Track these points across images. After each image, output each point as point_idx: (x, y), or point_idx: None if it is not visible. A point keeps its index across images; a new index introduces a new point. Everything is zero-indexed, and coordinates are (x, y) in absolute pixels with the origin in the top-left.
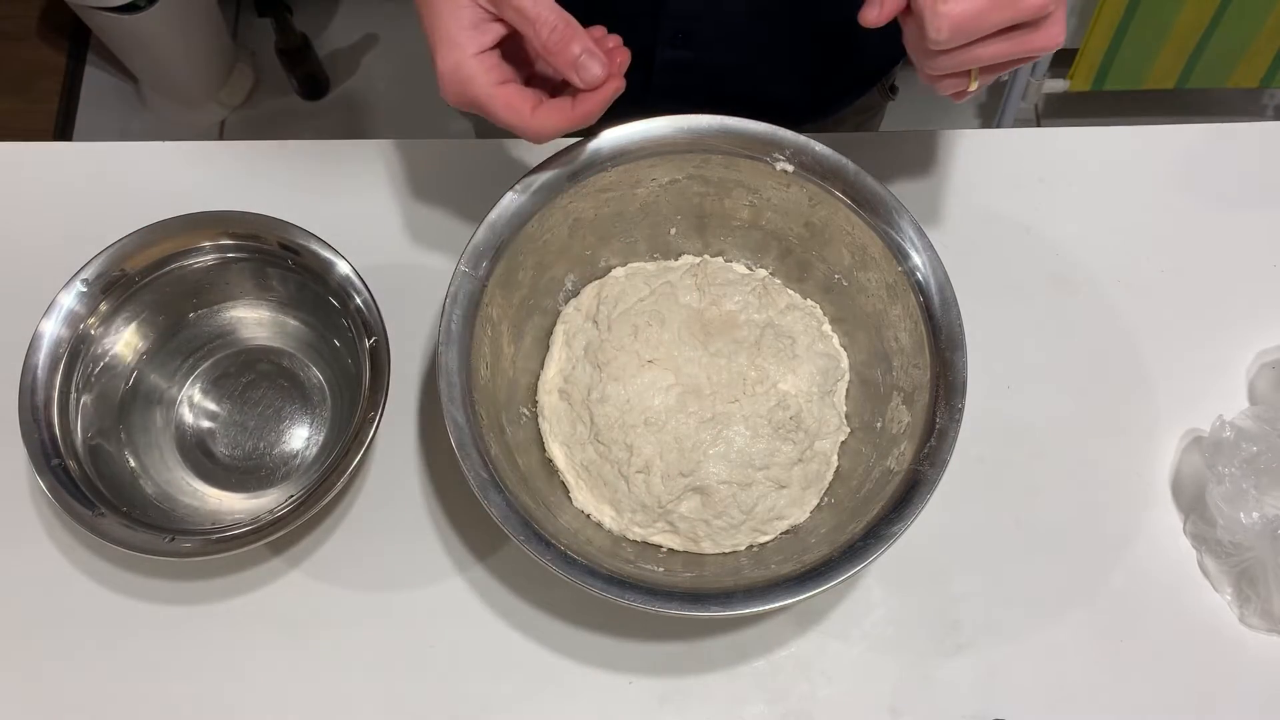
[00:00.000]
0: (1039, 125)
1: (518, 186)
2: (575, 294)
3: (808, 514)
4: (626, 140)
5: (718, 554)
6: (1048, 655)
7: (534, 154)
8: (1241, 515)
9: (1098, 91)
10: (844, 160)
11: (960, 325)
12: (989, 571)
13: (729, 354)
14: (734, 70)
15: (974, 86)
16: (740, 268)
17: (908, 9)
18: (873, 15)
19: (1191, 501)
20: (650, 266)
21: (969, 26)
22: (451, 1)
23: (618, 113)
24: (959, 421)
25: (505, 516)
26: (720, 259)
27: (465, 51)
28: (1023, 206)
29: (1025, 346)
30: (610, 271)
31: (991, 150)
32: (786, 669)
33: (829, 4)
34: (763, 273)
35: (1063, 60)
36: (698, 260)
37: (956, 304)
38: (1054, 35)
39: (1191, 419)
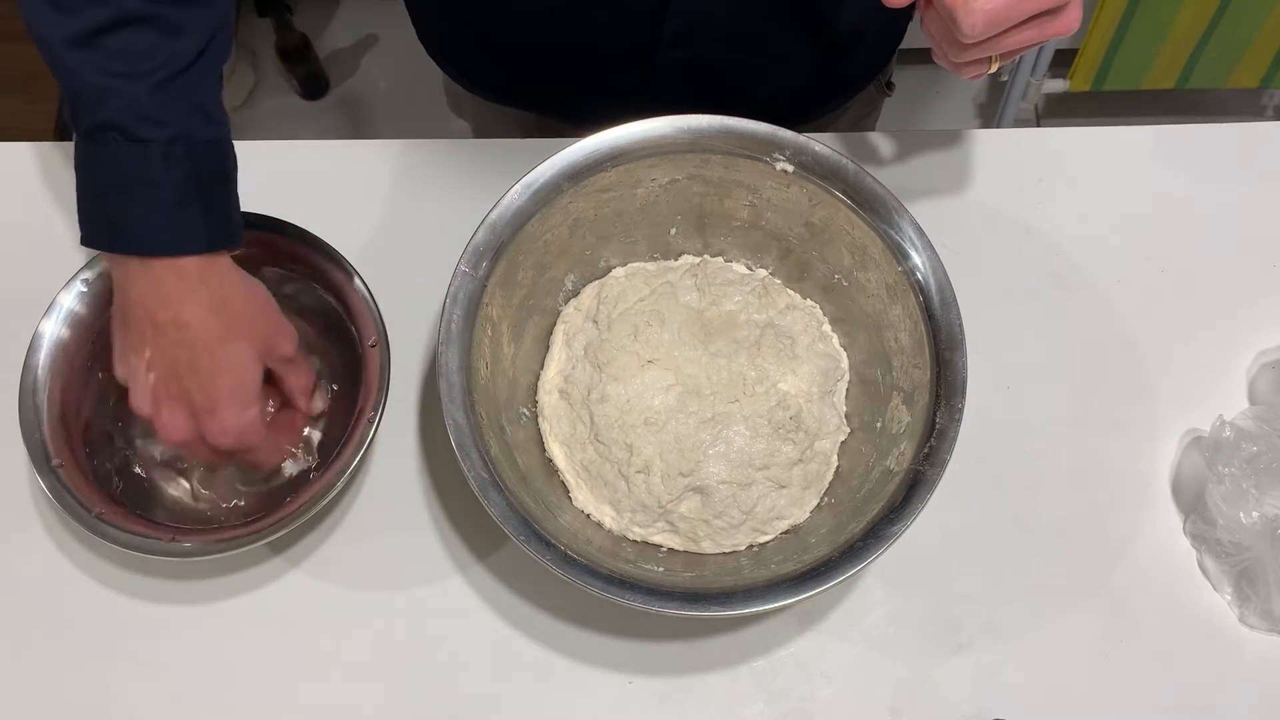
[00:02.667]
0: (1039, 125)
1: (518, 186)
2: (575, 294)
3: (808, 514)
4: (626, 140)
5: (718, 554)
6: (1048, 655)
7: (534, 155)
8: (1241, 515)
9: (1098, 91)
10: (844, 160)
11: (960, 325)
12: (989, 571)
13: (729, 354)
14: (735, 69)
15: (994, 68)
16: (740, 268)
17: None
18: None
19: (1191, 501)
20: (650, 266)
21: (1001, 20)
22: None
23: (618, 114)
24: (959, 421)
25: (505, 516)
26: (720, 259)
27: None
28: (1023, 206)
29: (1025, 346)
30: (610, 271)
31: (991, 150)
32: (786, 669)
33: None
34: (763, 273)
35: (1063, 60)
36: (698, 260)
37: (956, 304)
38: (1074, 18)
39: (1191, 419)
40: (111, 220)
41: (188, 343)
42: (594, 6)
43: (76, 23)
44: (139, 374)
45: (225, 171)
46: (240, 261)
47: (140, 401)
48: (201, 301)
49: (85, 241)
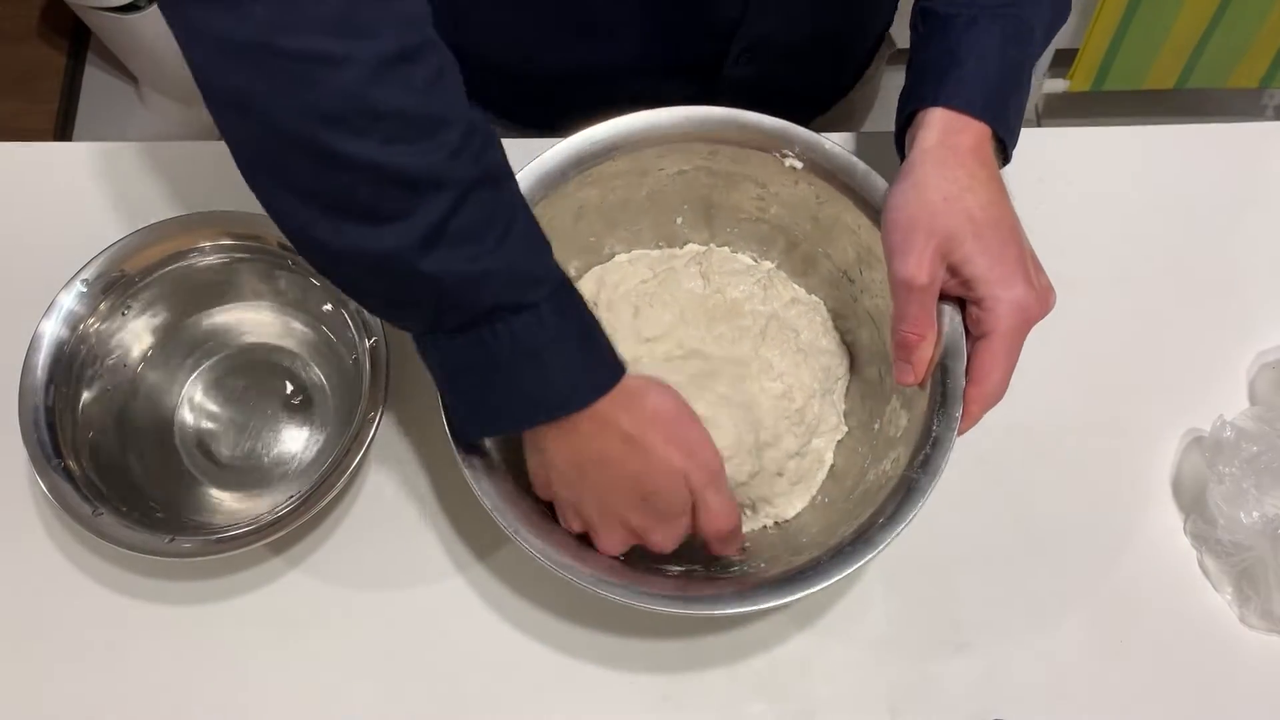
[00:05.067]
0: (1039, 125)
1: (522, 174)
2: (578, 280)
3: (795, 510)
4: (635, 129)
5: None
6: (1048, 655)
7: (534, 150)
8: (1241, 515)
9: (1098, 91)
10: (854, 160)
11: (962, 333)
12: (989, 571)
13: (732, 339)
14: (792, 79)
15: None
16: (746, 258)
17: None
18: (909, 380)
19: (1191, 501)
20: (654, 253)
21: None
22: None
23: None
24: (954, 430)
25: (499, 509)
26: (726, 249)
27: None
28: (1023, 206)
29: (1025, 346)
30: (614, 258)
31: None
32: (786, 668)
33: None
34: (768, 265)
35: (1063, 60)
36: (703, 249)
37: (960, 312)
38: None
39: (1191, 419)
40: (528, 395)
41: (610, 481)
42: (670, 23)
43: (416, 222)
44: (568, 507)
45: (578, 293)
46: (240, 262)
47: (574, 526)
48: (618, 433)
49: (488, 432)
